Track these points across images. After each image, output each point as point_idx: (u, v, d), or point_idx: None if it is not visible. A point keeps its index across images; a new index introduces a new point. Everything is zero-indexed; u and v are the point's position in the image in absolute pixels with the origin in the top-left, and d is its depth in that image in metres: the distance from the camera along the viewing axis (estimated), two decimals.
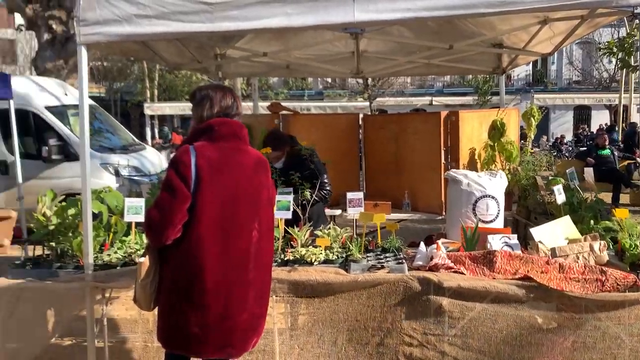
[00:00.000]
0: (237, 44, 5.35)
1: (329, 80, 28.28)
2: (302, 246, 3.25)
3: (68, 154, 7.69)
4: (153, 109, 24.36)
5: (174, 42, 4.55)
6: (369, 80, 19.43)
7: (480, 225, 3.49)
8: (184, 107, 24.33)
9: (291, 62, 5.81)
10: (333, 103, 22.26)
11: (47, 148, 7.56)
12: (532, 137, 5.68)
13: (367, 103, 21.09)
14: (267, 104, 6.73)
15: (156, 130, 27.92)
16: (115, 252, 3.27)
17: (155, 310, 2.55)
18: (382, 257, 3.22)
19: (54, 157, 7.57)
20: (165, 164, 9.53)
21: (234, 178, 2.43)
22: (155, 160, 9.02)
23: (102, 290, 3.17)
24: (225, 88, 2.75)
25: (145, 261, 2.41)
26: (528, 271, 2.97)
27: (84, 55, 3.09)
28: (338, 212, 5.09)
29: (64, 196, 3.63)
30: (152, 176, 8.16)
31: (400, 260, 3.13)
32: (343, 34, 5.08)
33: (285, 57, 5.67)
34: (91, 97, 9.41)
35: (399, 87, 27.25)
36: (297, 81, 29.64)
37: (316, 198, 3.78)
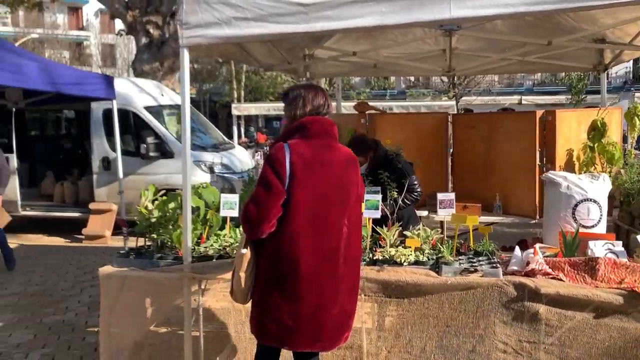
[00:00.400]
0: (325, 44, 5.40)
1: (412, 79, 27.89)
2: (391, 246, 3.22)
3: (164, 151, 8.14)
4: (240, 109, 25.20)
5: (267, 43, 4.67)
6: (455, 78, 18.94)
7: (581, 230, 3.30)
8: (268, 108, 24.95)
9: (379, 61, 5.79)
10: (416, 102, 21.90)
11: (145, 146, 8.02)
12: (635, 137, 5.29)
13: (452, 102, 20.59)
14: (349, 103, 6.76)
15: (242, 130, 28.83)
16: (212, 245, 3.40)
17: (248, 303, 2.63)
18: (474, 260, 3.13)
19: (151, 154, 8.03)
20: (252, 163, 9.84)
21: (326, 174, 2.47)
22: (244, 158, 9.34)
23: (198, 281, 3.31)
24: (316, 87, 2.80)
25: (247, 253, 2.50)
26: (635, 281, 2.77)
27: (186, 57, 3.24)
28: (424, 213, 5.00)
29: (164, 191, 3.82)
30: (241, 174, 8.45)
31: (494, 264, 3.02)
32: (434, 32, 4.99)
33: (373, 56, 5.66)
34: None
35: (486, 85, 26.34)
36: (380, 80, 29.48)
37: (407, 201, 3.74)
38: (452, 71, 5.95)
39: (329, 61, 5.74)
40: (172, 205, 3.56)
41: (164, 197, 3.67)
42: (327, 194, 2.47)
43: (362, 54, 5.45)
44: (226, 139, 10.67)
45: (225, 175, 8.10)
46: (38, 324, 4.72)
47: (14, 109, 8.43)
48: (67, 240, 8.38)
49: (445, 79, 22.92)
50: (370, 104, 6.49)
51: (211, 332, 3.45)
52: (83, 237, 8.26)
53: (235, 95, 28.61)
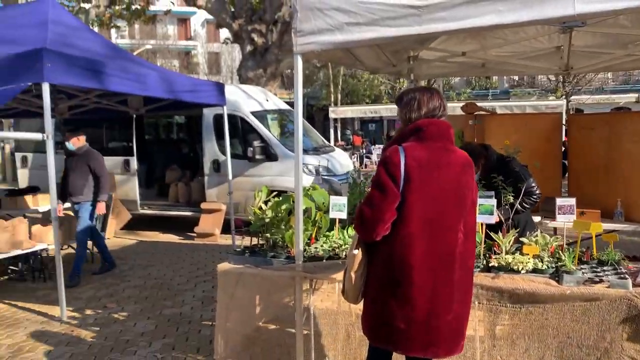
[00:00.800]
0: (431, 45, 5.33)
1: (516, 78, 26.68)
2: (507, 253, 3.11)
3: (269, 154, 8.43)
4: (337, 112, 25.53)
5: (373, 47, 4.69)
6: (565, 77, 17.85)
7: None
8: (365, 110, 25.02)
9: (488, 60, 5.60)
10: (521, 102, 20.85)
11: (251, 149, 8.36)
12: None
13: (561, 102, 19.39)
14: (451, 105, 6.60)
15: (339, 133, 29.15)
16: (322, 246, 3.48)
17: (360, 304, 2.66)
18: (599, 270, 2.94)
19: (257, 157, 8.35)
20: (351, 165, 9.91)
21: (442, 178, 2.44)
22: (344, 161, 9.43)
23: (309, 281, 3.40)
24: (431, 89, 2.77)
25: (358, 254, 2.52)
26: None
27: (299, 63, 3.35)
28: (537, 219, 4.77)
29: (276, 192, 3.97)
30: (342, 176, 8.55)
31: (622, 275, 2.82)
32: (547, 29, 4.75)
33: (481, 56, 5.49)
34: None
35: (598, 83, 24.56)
36: (481, 80, 28.53)
37: (525, 205, 3.60)
38: (569, 69, 5.62)
39: (435, 62, 5.65)
40: (284, 206, 3.68)
41: (276, 199, 3.81)
42: (443, 198, 2.43)
43: (470, 53, 5.31)
44: (326, 141, 10.84)
45: (326, 177, 8.23)
46: (158, 316, 5.08)
47: (134, 116, 9.16)
48: (180, 238, 8.94)
49: (552, 77, 21.68)
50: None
51: (321, 331, 3.52)
52: (195, 234, 8.77)
53: (332, 98, 28.99)
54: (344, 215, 3.52)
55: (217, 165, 8.81)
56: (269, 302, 3.86)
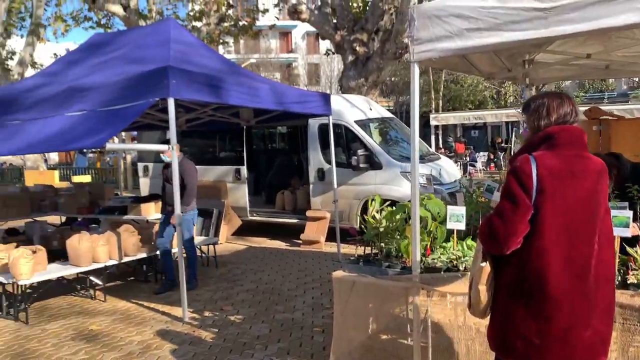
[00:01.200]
0: (548, 48, 5.07)
1: (637, 79, 24.62)
2: None
3: (373, 162, 8.43)
4: (438, 119, 24.99)
5: (488, 52, 4.56)
6: None
7: None
8: (468, 117, 24.28)
9: (613, 61, 5.22)
10: None
11: (356, 157, 8.41)
12: None
13: None
14: None
15: (440, 140, 28.53)
16: (439, 257, 3.42)
17: (474, 318, 2.57)
18: None
19: (361, 165, 8.38)
20: (458, 174, 9.66)
21: (577, 187, 2.30)
22: (451, 169, 9.21)
23: (426, 293, 3.35)
24: (561, 95, 2.63)
25: (486, 266, 2.45)
26: None
27: (416, 72, 3.34)
28: None
29: (389, 201, 3.96)
30: (449, 185, 8.35)
31: None
32: None
33: (605, 57, 5.13)
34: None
35: None
36: (596, 82, 26.66)
37: None
38: None
39: (555, 65, 5.36)
40: (398, 215, 3.67)
41: (390, 208, 3.81)
42: (578, 208, 2.29)
43: (594, 55, 4.98)
44: (431, 149, 10.65)
45: (435, 187, 8.08)
46: (272, 320, 5.25)
47: (244, 127, 9.58)
48: (287, 244, 9.19)
49: None
50: (582, 108, 5.89)
51: (438, 344, 3.45)
52: (300, 241, 8.98)
53: (433, 105, 28.48)
54: (462, 226, 3.44)
55: (321, 174, 8.97)
56: (381, 312, 3.85)
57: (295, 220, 9.38)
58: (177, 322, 5.31)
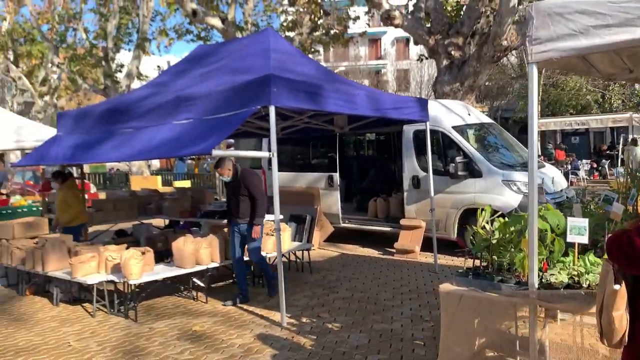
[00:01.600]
0: None
1: None
2: None
3: (472, 170, 8.10)
4: (537, 124, 23.78)
5: (609, 52, 4.20)
6: None
7: None
8: (570, 122, 22.90)
9: None
10: None
11: (454, 165, 8.12)
12: None
13: None
14: None
15: (539, 147, 27.15)
16: (559, 272, 3.17)
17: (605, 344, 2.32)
18: None
19: (459, 173, 8.08)
20: (565, 183, 9.06)
21: None
22: (557, 177, 8.66)
23: (544, 310, 3.12)
24: None
25: (621, 289, 2.21)
26: None
27: (534, 73, 3.13)
28: None
29: (500, 213, 3.74)
30: (555, 194, 7.85)
31: None
32: None
33: None
34: None
35: None
36: None
37: None
38: None
39: None
40: (513, 227, 3.45)
41: (502, 219, 3.60)
42: None
43: None
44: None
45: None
46: (369, 330, 5.15)
47: (337, 134, 9.60)
48: (379, 252, 9.07)
49: None
50: None
51: None
52: (394, 250, 8.81)
53: None
54: (585, 239, 3.16)
55: (416, 181, 8.75)
56: (487, 328, 3.66)
57: (388, 229, 9.23)
58: (275, 326, 5.36)
